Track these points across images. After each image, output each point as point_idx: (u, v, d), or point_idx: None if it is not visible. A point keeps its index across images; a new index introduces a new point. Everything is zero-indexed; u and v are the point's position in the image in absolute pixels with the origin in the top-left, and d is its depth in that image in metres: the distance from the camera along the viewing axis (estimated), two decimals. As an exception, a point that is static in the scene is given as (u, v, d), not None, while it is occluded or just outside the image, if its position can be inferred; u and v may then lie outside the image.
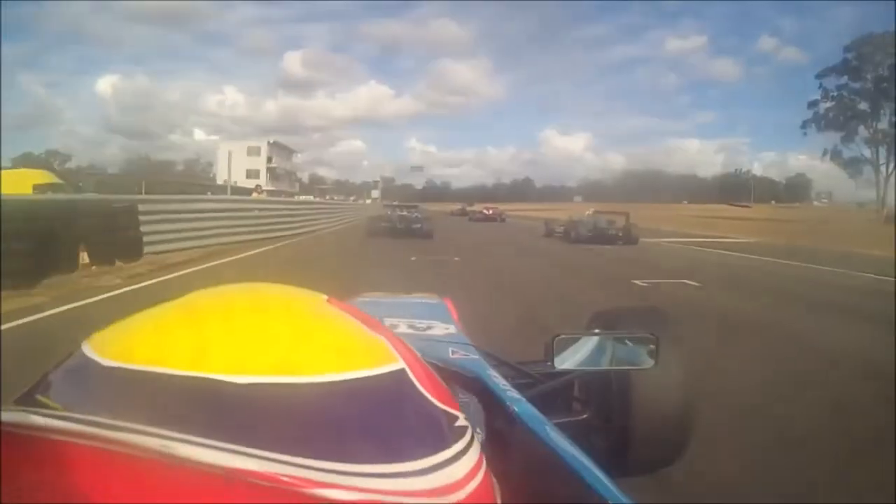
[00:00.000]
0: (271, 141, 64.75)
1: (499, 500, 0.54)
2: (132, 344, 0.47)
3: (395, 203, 23.12)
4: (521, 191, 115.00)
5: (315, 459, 0.40)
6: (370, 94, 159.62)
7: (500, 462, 0.76)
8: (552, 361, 1.33)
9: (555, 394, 1.67)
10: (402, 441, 0.45)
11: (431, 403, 0.50)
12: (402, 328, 1.59)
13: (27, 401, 0.44)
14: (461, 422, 0.51)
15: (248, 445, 0.39)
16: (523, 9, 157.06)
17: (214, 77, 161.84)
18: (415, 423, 0.48)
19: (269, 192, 47.74)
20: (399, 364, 0.50)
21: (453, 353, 1.29)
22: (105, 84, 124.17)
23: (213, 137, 59.33)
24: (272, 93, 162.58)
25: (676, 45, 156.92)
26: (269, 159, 61.62)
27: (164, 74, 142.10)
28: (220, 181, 51.55)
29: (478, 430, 0.85)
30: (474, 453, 0.49)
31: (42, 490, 0.36)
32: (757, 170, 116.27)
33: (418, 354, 0.57)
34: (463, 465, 0.46)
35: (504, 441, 0.88)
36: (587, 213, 19.57)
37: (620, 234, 16.83)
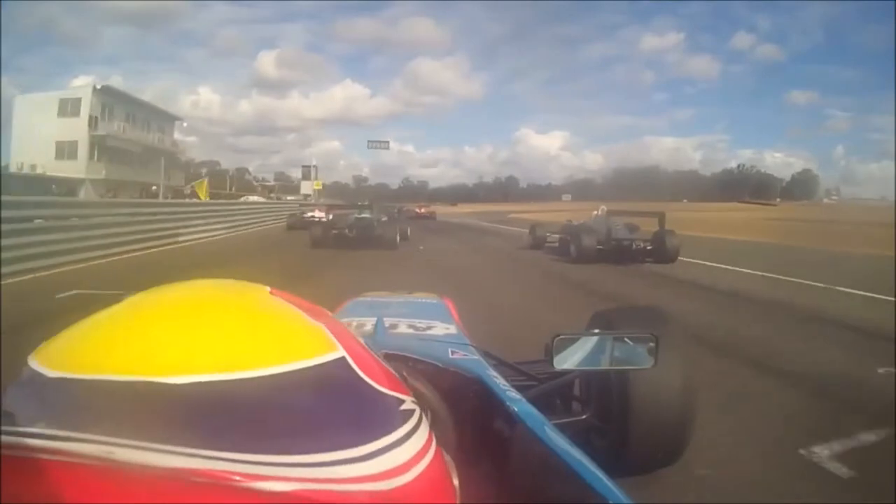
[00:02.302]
0: (98, 86, 31.70)
1: (455, 481, 0.55)
2: (75, 353, 0.47)
3: (342, 203, 15.85)
4: (503, 190, 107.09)
5: (253, 454, 0.41)
6: (345, 94, 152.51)
7: (501, 462, 0.82)
8: (552, 361, 1.32)
9: (555, 394, 1.72)
10: (342, 429, 0.46)
11: (373, 389, 0.50)
12: (402, 328, 1.60)
13: None
14: (408, 405, 0.52)
15: (186, 445, 0.40)
16: (499, 8, 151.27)
17: (188, 78, 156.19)
18: (356, 410, 0.48)
19: (105, 186, 27.18)
20: (338, 352, 0.50)
21: (453, 353, 1.28)
22: (78, 85, 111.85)
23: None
24: (246, 93, 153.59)
25: (653, 43, 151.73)
26: (93, 122, 29.95)
27: (137, 75, 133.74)
28: (11, 166, 28.01)
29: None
30: (422, 435, 0.50)
31: None
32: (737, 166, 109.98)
33: (361, 340, 0.57)
34: (408, 447, 0.48)
35: (504, 441, 0.88)
36: (595, 213, 12.56)
37: (649, 248, 10.63)
